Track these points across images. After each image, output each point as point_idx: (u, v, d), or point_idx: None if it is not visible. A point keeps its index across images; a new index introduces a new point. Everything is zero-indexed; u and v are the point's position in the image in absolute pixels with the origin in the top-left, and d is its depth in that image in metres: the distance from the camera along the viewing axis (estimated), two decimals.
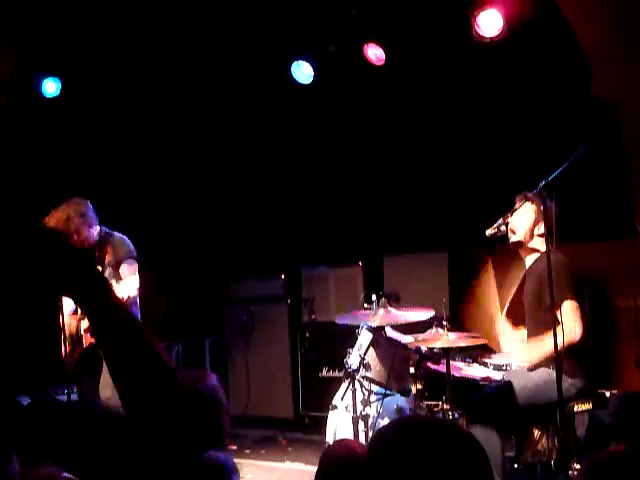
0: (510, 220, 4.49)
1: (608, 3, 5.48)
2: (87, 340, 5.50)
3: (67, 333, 5.62)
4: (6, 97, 6.83)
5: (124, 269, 5.52)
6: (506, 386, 4.38)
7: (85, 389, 5.69)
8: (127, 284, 5.38)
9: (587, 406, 4.41)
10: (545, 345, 4.24)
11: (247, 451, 6.84)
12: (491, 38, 5.69)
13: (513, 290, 5.32)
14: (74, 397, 5.92)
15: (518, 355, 4.60)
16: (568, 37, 5.62)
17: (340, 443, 2.85)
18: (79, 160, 7.54)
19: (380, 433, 1.64)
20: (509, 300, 4.98)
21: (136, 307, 5.61)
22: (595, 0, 5.52)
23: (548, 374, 4.18)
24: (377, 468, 1.49)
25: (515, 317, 4.94)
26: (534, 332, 4.56)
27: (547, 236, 4.09)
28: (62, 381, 5.85)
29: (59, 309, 5.49)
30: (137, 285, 5.49)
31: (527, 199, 4.44)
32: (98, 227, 5.67)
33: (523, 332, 4.78)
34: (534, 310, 4.57)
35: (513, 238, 4.63)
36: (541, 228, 4.52)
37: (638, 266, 5.76)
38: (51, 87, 7.05)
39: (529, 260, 4.69)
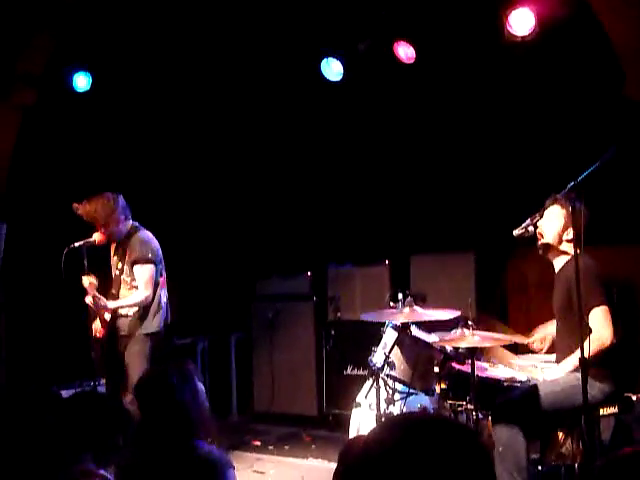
0: (539, 224, 4.44)
1: None
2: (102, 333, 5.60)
3: (94, 331, 5.69)
4: (37, 92, 6.89)
5: (136, 271, 5.58)
6: (532, 390, 4.34)
7: (110, 386, 5.73)
8: (132, 297, 5.54)
9: (613, 410, 4.37)
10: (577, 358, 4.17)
11: (270, 447, 6.84)
12: (522, 37, 5.64)
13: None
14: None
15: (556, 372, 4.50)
16: (601, 38, 5.56)
17: (359, 439, 2.81)
18: (109, 155, 7.60)
19: (376, 429, 1.63)
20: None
21: (154, 312, 5.62)
22: (627, 1, 5.46)
23: (576, 378, 4.09)
24: (373, 462, 1.48)
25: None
26: (564, 336, 4.51)
27: (575, 239, 4.05)
28: (89, 376, 5.90)
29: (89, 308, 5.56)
30: (145, 294, 5.52)
31: (556, 201, 4.39)
32: (130, 222, 5.70)
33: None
34: (564, 314, 4.52)
35: (541, 241, 4.58)
36: (570, 233, 4.43)
37: None
38: (82, 82, 7.08)
39: (557, 264, 4.63)
